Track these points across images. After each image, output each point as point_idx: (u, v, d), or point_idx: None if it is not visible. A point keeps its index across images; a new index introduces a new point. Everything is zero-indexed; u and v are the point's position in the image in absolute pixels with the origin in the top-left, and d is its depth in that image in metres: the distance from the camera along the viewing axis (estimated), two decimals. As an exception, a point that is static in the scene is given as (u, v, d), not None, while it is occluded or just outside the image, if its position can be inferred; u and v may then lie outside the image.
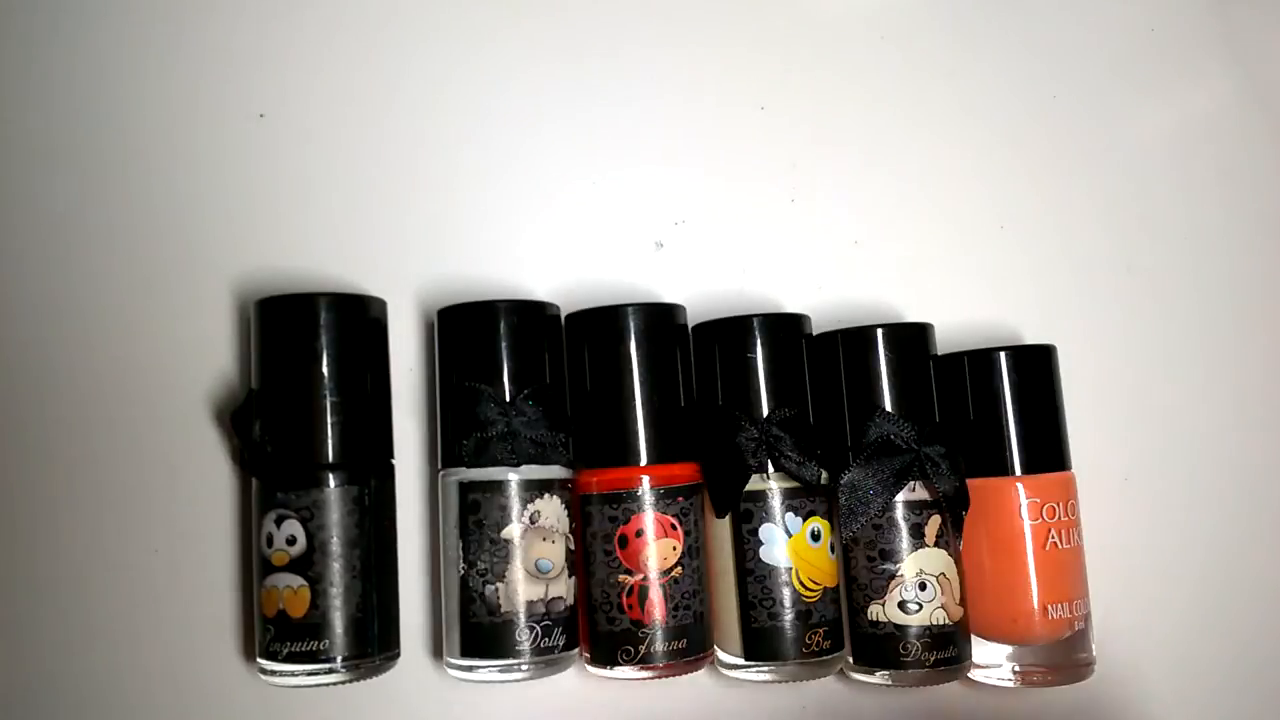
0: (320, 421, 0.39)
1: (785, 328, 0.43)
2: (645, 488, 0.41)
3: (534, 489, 0.40)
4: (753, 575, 0.41)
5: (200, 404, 0.42)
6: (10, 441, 0.41)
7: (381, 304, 0.42)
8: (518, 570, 0.39)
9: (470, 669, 0.39)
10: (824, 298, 0.49)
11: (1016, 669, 0.43)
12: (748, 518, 0.41)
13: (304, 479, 0.38)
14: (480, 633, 0.39)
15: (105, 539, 0.41)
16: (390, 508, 0.41)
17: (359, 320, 0.40)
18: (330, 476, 0.38)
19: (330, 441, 0.39)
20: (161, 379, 0.42)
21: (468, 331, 0.41)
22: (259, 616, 0.39)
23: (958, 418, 0.44)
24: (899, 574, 0.42)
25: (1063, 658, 0.43)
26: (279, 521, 0.38)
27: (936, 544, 0.42)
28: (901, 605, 0.42)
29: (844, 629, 0.43)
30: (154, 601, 0.41)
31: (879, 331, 0.43)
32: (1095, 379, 0.51)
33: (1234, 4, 0.57)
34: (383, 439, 0.41)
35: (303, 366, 0.39)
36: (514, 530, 0.39)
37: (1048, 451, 0.44)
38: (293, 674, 0.38)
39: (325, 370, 0.39)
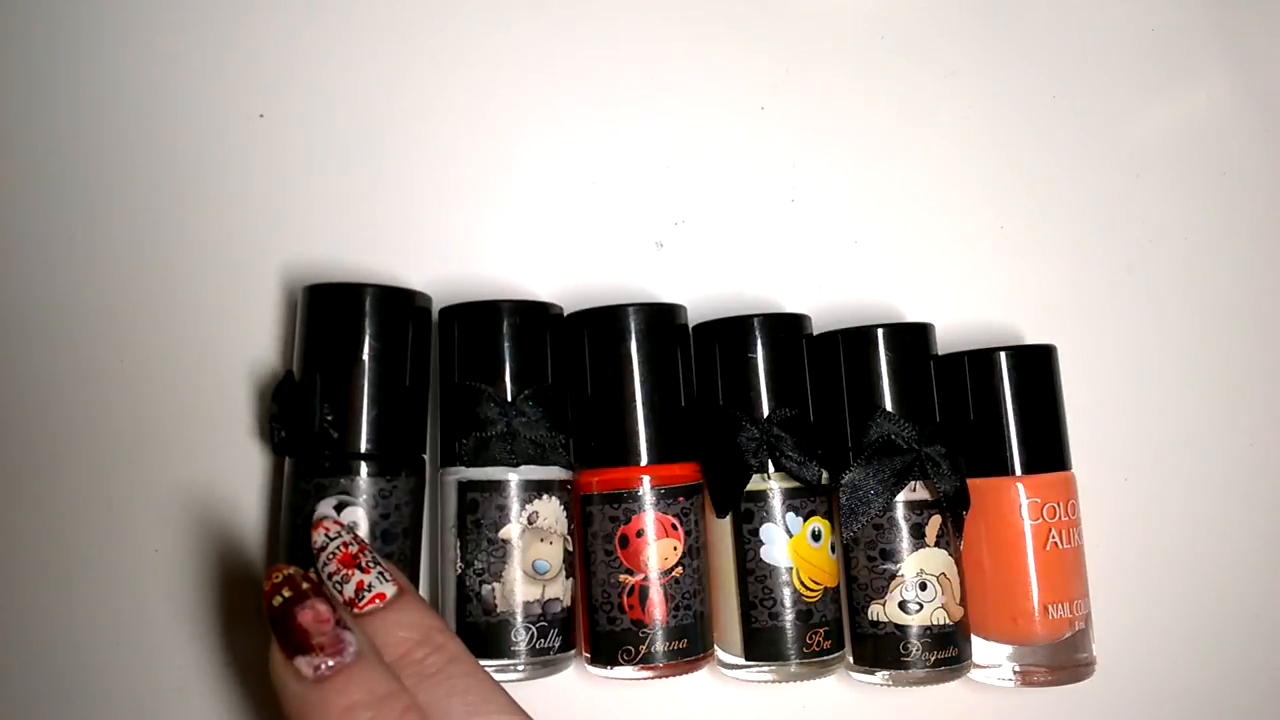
0: (399, 412, 0.39)
1: (785, 328, 0.43)
2: (646, 488, 0.41)
3: (533, 489, 0.40)
4: (753, 575, 0.41)
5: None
6: (17, 441, 0.41)
7: (427, 297, 0.42)
8: (515, 570, 0.39)
9: (470, 669, 0.39)
10: (824, 298, 0.49)
11: (1016, 669, 0.43)
12: (748, 518, 0.41)
13: (383, 466, 0.38)
14: (476, 632, 0.39)
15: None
16: (422, 501, 0.41)
17: (413, 312, 0.41)
18: (403, 465, 0.39)
19: (399, 431, 0.39)
20: (167, 377, 0.42)
21: (469, 331, 0.41)
22: None
23: (958, 418, 0.44)
24: (899, 574, 0.42)
25: (1063, 658, 0.43)
26: (339, 508, 0.38)
27: (937, 544, 0.42)
28: (902, 605, 0.42)
29: (844, 629, 0.43)
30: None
31: (879, 331, 0.43)
32: (1095, 379, 0.51)
33: (1233, 5, 0.57)
34: (422, 432, 0.41)
35: (391, 354, 0.39)
36: (512, 530, 0.39)
37: (1048, 451, 0.44)
38: None
39: (395, 360, 0.39)
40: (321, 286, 0.40)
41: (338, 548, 0.34)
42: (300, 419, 0.38)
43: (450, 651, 0.33)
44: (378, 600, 0.33)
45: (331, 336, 0.39)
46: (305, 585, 0.31)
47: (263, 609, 0.31)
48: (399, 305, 0.40)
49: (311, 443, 0.38)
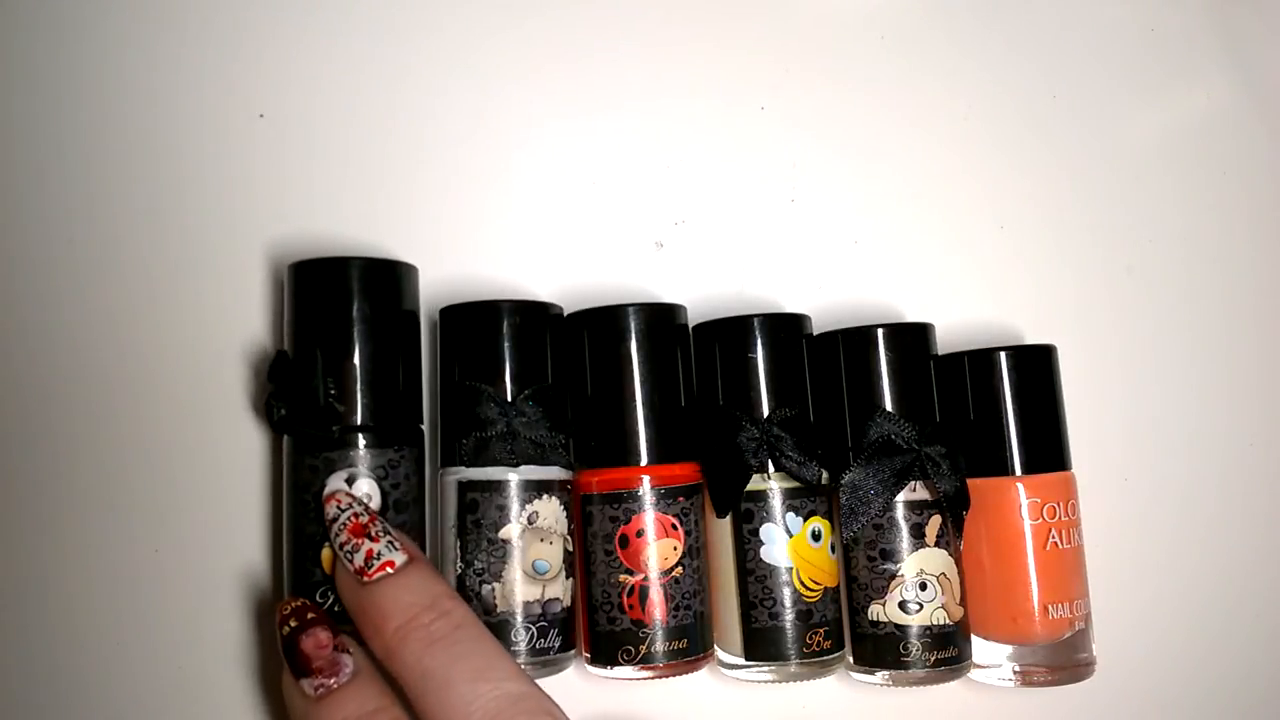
0: (400, 383, 0.39)
1: (785, 328, 0.43)
2: (646, 488, 0.41)
3: (533, 489, 0.40)
4: (753, 575, 0.41)
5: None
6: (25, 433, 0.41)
7: (413, 268, 0.42)
8: (515, 571, 0.39)
9: (470, 669, 0.39)
10: (824, 298, 0.49)
11: (1016, 669, 0.43)
12: (748, 518, 0.41)
13: (387, 438, 0.38)
14: (479, 633, 0.39)
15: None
16: (424, 469, 0.41)
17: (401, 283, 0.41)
18: (407, 435, 0.39)
19: (401, 402, 0.39)
20: (167, 378, 0.42)
21: (469, 331, 0.41)
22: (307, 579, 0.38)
23: (958, 418, 0.44)
24: (899, 574, 0.42)
25: (1063, 658, 0.43)
26: (350, 481, 0.38)
27: (937, 544, 0.42)
28: (902, 605, 0.42)
29: (844, 629, 0.43)
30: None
31: (879, 331, 0.43)
32: (1095, 379, 0.51)
33: (1233, 5, 0.57)
34: (418, 401, 0.41)
35: (385, 325, 0.39)
36: (512, 530, 0.39)
37: (1048, 451, 0.44)
38: None
39: (389, 331, 0.39)
40: (308, 263, 0.39)
41: (348, 519, 0.36)
42: (300, 395, 0.38)
43: (457, 617, 0.34)
44: (387, 568, 0.35)
45: (325, 312, 0.39)
46: (310, 615, 0.35)
47: (277, 638, 0.35)
48: (386, 277, 0.40)
49: (318, 418, 0.38)
